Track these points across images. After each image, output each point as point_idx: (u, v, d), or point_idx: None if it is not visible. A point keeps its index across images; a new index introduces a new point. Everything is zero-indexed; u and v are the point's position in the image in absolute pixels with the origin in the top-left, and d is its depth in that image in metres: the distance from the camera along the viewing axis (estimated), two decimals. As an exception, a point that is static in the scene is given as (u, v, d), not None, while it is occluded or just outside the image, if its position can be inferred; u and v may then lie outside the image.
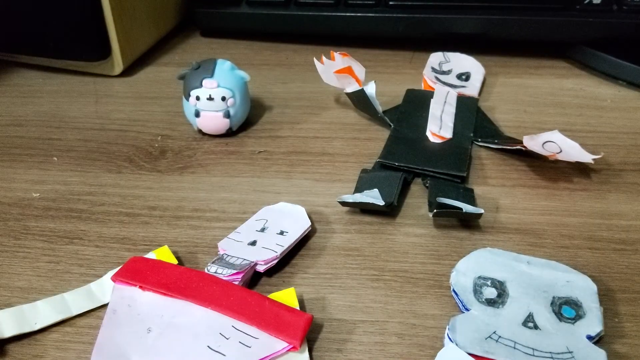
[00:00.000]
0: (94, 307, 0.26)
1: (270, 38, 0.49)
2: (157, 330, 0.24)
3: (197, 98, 0.34)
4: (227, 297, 0.24)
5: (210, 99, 0.34)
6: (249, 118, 0.37)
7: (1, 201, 0.32)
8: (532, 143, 0.32)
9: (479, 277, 0.25)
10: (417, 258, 0.28)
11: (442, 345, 0.23)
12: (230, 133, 0.37)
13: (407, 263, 0.27)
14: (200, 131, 0.37)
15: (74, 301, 0.26)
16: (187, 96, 0.35)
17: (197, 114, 0.35)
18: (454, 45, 0.44)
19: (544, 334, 0.23)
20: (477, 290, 0.25)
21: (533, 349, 0.22)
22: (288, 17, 0.46)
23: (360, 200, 0.29)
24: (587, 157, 0.32)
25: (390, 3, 0.44)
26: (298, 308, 0.24)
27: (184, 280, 0.25)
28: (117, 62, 0.42)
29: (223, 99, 0.34)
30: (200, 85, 0.34)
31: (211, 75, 0.34)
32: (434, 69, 0.41)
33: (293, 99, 0.41)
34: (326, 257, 0.28)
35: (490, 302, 0.24)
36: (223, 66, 0.35)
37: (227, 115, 0.35)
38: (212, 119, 0.35)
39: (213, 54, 0.46)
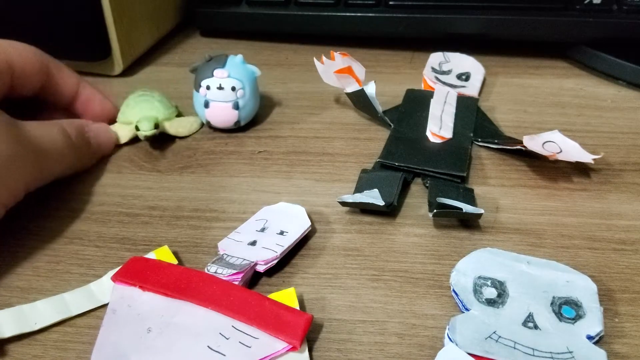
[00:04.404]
0: (94, 307, 0.26)
1: (270, 38, 0.49)
2: (157, 330, 0.24)
3: (208, 87, 0.35)
4: (227, 297, 0.24)
5: (220, 88, 0.34)
6: (249, 118, 0.37)
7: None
8: (532, 143, 0.32)
9: (479, 277, 0.25)
10: (417, 258, 0.28)
11: (442, 345, 0.23)
12: (237, 128, 0.37)
13: (407, 263, 0.27)
14: (208, 124, 0.37)
15: (73, 301, 0.26)
16: (198, 87, 0.35)
17: (207, 105, 0.35)
18: (454, 45, 0.44)
19: (544, 334, 0.23)
20: (477, 290, 0.25)
21: (533, 349, 0.22)
22: (288, 17, 0.46)
23: (360, 200, 0.29)
24: (587, 157, 0.32)
25: (390, 3, 0.44)
26: (298, 308, 0.24)
27: (184, 280, 0.25)
28: (117, 62, 0.42)
29: (233, 89, 0.34)
30: (212, 75, 0.35)
31: (222, 66, 0.35)
32: (434, 69, 0.41)
33: (293, 99, 0.41)
34: (326, 257, 0.28)
35: (490, 302, 0.24)
36: (235, 59, 0.35)
37: (236, 106, 0.35)
38: (221, 110, 0.35)
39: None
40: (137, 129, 0.34)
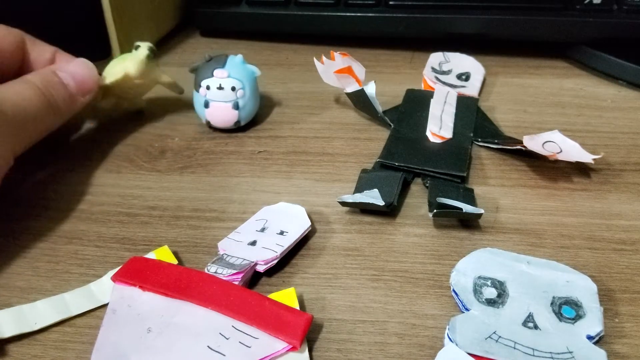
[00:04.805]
0: (94, 307, 0.26)
1: (270, 38, 0.49)
2: (157, 330, 0.24)
3: (208, 87, 0.35)
4: (227, 297, 0.24)
5: (220, 88, 0.34)
6: (249, 118, 0.37)
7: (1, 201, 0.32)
8: (532, 143, 0.32)
9: (479, 277, 0.25)
10: (417, 258, 0.28)
11: (442, 345, 0.23)
12: (237, 128, 0.37)
13: (407, 263, 0.27)
14: (208, 124, 0.37)
15: (73, 301, 0.26)
16: (198, 87, 0.35)
17: (207, 105, 0.35)
18: (454, 45, 0.44)
19: (544, 334, 0.23)
20: (477, 290, 0.25)
21: (533, 349, 0.22)
22: (288, 17, 0.46)
23: (360, 200, 0.29)
24: (587, 157, 0.32)
25: (390, 3, 0.44)
26: (298, 308, 0.24)
27: (184, 280, 0.25)
28: (117, 62, 0.42)
29: (233, 89, 0.34)
30: (211, 75, 0.35)
31: (222, 66, 0.35)
32: (434, 69, 0.41)
33: (293, 99, 0.41)
34: (326, 257, 0.28)
35: (490, 302, 0.24)
36: (235, 59, 0.35)
37: (236, 106, 0.35)
38: (221, 110, 0.35)
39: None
40: (136, 48, 0.35)
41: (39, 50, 0.33)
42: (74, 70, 0.32)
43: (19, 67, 0.33)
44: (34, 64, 0.33)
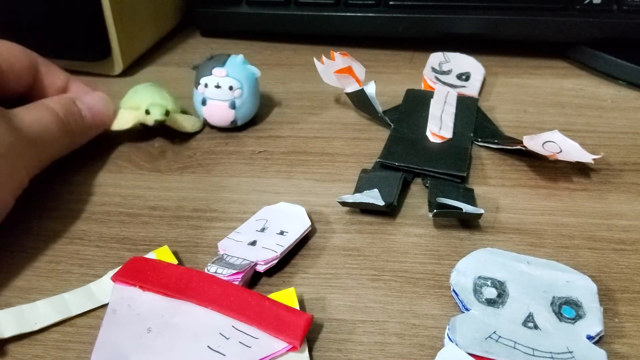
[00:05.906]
0: (94, 307, 0.26)
1: (270, 38, 0.49)
2: (157, 330, 0.24)
3: (206, 85, 0.35)
4: (227, 297, 0.24)
5: (217, 86, 0.35)
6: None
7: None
8: (532, 143, 0.32)
9: (479, 277, 0.25)
10: (417, 258, 0.28)
11: (442, 345, 0.23)
12: (234, 128, 0.37)
13: (407, 263, 0.27)
14: (205, 122, 0.37)
15: (74, 301, 0.26)
16: (197, 84, 0.35)
17: (204, 102, 0.35)
18: (454, 45, 0.44)
19: (544, 334, 0.23)
20: (477, 290, 0.25)
21: (533, 349, 0.22)
22: (288, 17, 0.46)
23: (360, 200, 0.29)
24: (587, 157, 0.32)
25: (390, 3, 0.44)
26: (298, 308, 0.24)
27: (184, 280, 0.25)
28: (117, 62, 0.42)
29: (230, 88, 0.35)
30: (210, 73, 0.35)
31: (222, 65, 0.35)
32: (434, 69, 0.41)
33: (293, 99, 0.41)
34: (326, 257, 0.28)
35: (490, 302, 0.24)
36: (236, 59, 0.35)
37: (232, 106, 0.35)
38: (218, 108, 0.35)
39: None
40: (147, 112, 0.34)
41: (53, 76, 0.34)
42: (91, 102, 0.33)
43: (28, 90, 0.33)
44: (47, 89, 0.34)
